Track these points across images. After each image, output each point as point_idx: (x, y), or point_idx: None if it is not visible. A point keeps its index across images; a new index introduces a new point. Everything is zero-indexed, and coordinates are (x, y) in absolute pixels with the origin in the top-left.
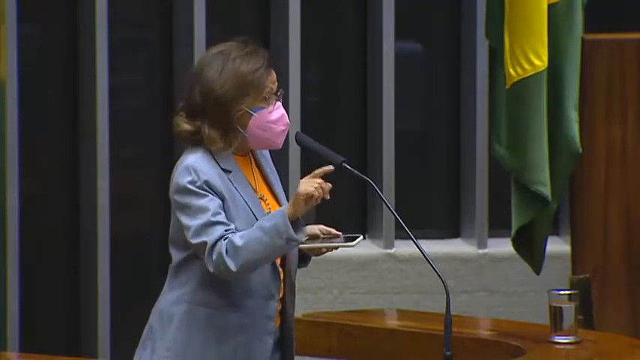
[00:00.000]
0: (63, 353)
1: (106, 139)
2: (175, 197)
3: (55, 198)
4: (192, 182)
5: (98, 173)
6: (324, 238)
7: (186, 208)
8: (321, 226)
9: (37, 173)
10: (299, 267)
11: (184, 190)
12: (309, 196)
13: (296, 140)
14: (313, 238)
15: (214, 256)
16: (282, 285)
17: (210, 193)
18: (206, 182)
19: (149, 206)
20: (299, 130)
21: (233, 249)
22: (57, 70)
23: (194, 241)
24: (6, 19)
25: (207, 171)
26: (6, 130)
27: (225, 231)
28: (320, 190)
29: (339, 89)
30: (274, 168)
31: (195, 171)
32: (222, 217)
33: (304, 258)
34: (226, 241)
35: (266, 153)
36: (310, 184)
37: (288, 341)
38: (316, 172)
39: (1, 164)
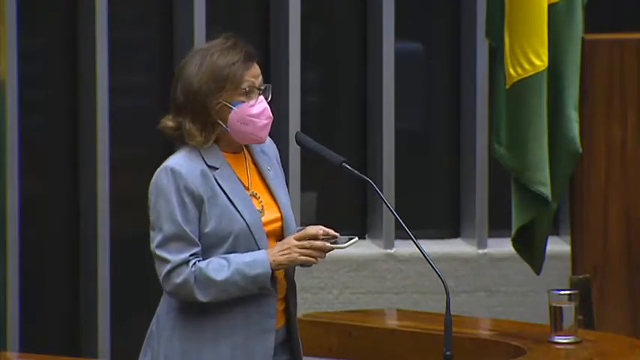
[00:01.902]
0: (63, 353)
1: (106, 139)
2: (150, 197)
3: (55, 198)
4: (168, 186)
5: (98, 173)
6: (323, 239)
7: (157, 211)
8: (321, 227)
9: (37, 173)
10: (303, 266)
11: (159, 193)
12: (301, 263)
13: (296, 140)
14: (313, 239)
15: (177, 280)
16: (285, 283)
17: (185, 200)
18: (185, 187)
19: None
20: (299, 130)
21: (206, 282)
22: (57, 70)
23: (157, 252)
24: (6, 19)
25: (188, 172)
26: (6, 130)
27: (191, 255)
28: (318, 256)
29: (339, 89)
30: (278, 166)
31: (174, 173)
32: (189, 234)
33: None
34: (194, 269)
35: (270, 151)
36: (304, 253)
37: (295, 341)
38: (309, 233)
39: (1, 164)
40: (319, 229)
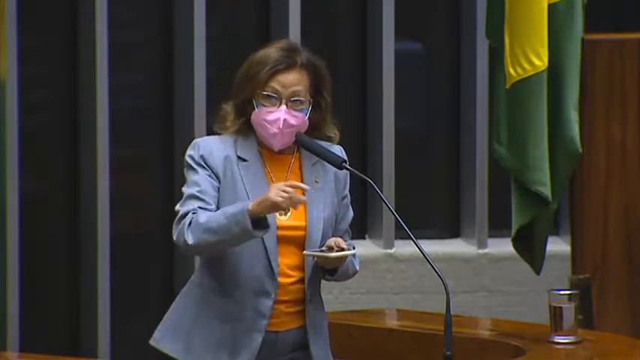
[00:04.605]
0: (63, 353)
1: (106, 139)
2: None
3: (55, 198)
4: (191, 156)
5: (98, 173)
6: (337, 251)
7: (186, 180)
8: (338, 240)
9: (37, 173)
10: (326, 279)
11: (185, 164)
12: (275, 205)
13: (296, 141)
14: (330, 248)
15: (179, 226)
16: (292, 289)
17: (205, 168)
18: (202, 157)
19: (149, 206)
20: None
21: (195, 224)
22: (57, 70)
23: (177, 207)
24: (6, 19)
25: (211, 151)
26: (6, 130)
27: (199, 208)
28: (288, 202)
29: (339, 90)
30: (335, 183)
31: (197, 146)
32: (206, 195)
33: (331, 271)
34: (194, 214)
35: (329, 166)
36: (280, 194)
37: (313, 346)
38: (292, 183)
39: (1, 164)
40: (329, 242)
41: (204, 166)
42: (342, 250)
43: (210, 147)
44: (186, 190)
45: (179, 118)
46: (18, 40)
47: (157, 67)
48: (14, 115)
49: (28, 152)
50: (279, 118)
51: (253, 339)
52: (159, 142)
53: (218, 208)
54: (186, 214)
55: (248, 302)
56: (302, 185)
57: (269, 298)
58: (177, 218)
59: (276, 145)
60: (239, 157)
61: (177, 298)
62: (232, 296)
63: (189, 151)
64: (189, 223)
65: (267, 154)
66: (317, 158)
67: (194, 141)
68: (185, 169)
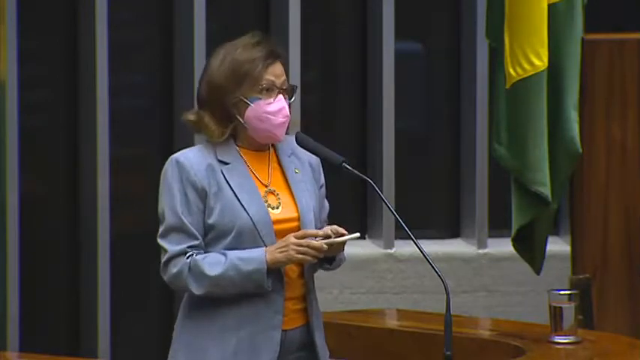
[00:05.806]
0: (63, 353)
1: (106, 139)
2: (159, 188)
3: (55, 198)
4: (170, 175)
5: (98, 173)
6: (337, 236)
7: (162, 202)
8: (335, 227)
9: (37, 173)
10: (326, 268)
11: (164, 184)
12: (300, 260)
13: (296, 140)
14: (326, 238)
15: (172, 270)
16: (300, 283)
17: (188, 192)
18: (188, 179)
19: (149, 206)
20: (299, 130)
21: (200, 274)
22: (57, 70)
23: (159, 240)
24: (6, 19)
25: (193, 165)
26: (6, 130)
27: (188, 247)
28: (312, 252)
29: (339, 89)
30: (312, 172)
31: (178, 165)
32: (188, 226)
33: (329, 259)
34: (189, 260)
35: (304, 156)
36: (300, 251)
37: (321, 348)
38: (303, 233)
39: (1, 164)
40: (326, 230)
41: (187, 188)
42: (342, 235)
43: (190, 161)
44: (167, 219)
45: (179, 118)
46: (18, 40)
47: (157, 67)
48: (14, 115)
49: (28, 152)
50: (283, 107)
51: (272, 337)
52: (159, 142)
53: (204, 220)
54: (175, 255)
55: (260, 303)
56: (312, 232)
57: (279, 294)
58: (165, 258)
59: (281, 134)
60: (220, 161)
61: (180, 320)
62: (242, 301)
63: (169, 171)
64: (189, 270)
65: (247, 153)
66: (291, 150)
67: (172, 157)
68: (161, 187)
